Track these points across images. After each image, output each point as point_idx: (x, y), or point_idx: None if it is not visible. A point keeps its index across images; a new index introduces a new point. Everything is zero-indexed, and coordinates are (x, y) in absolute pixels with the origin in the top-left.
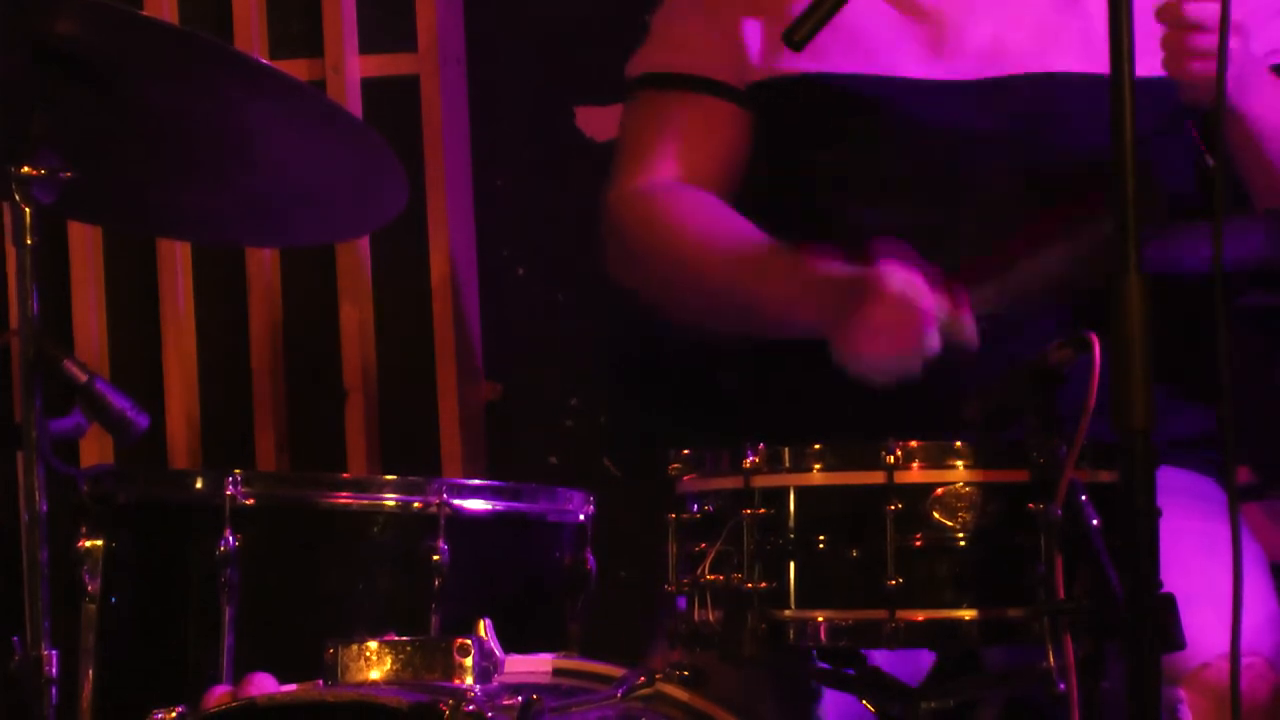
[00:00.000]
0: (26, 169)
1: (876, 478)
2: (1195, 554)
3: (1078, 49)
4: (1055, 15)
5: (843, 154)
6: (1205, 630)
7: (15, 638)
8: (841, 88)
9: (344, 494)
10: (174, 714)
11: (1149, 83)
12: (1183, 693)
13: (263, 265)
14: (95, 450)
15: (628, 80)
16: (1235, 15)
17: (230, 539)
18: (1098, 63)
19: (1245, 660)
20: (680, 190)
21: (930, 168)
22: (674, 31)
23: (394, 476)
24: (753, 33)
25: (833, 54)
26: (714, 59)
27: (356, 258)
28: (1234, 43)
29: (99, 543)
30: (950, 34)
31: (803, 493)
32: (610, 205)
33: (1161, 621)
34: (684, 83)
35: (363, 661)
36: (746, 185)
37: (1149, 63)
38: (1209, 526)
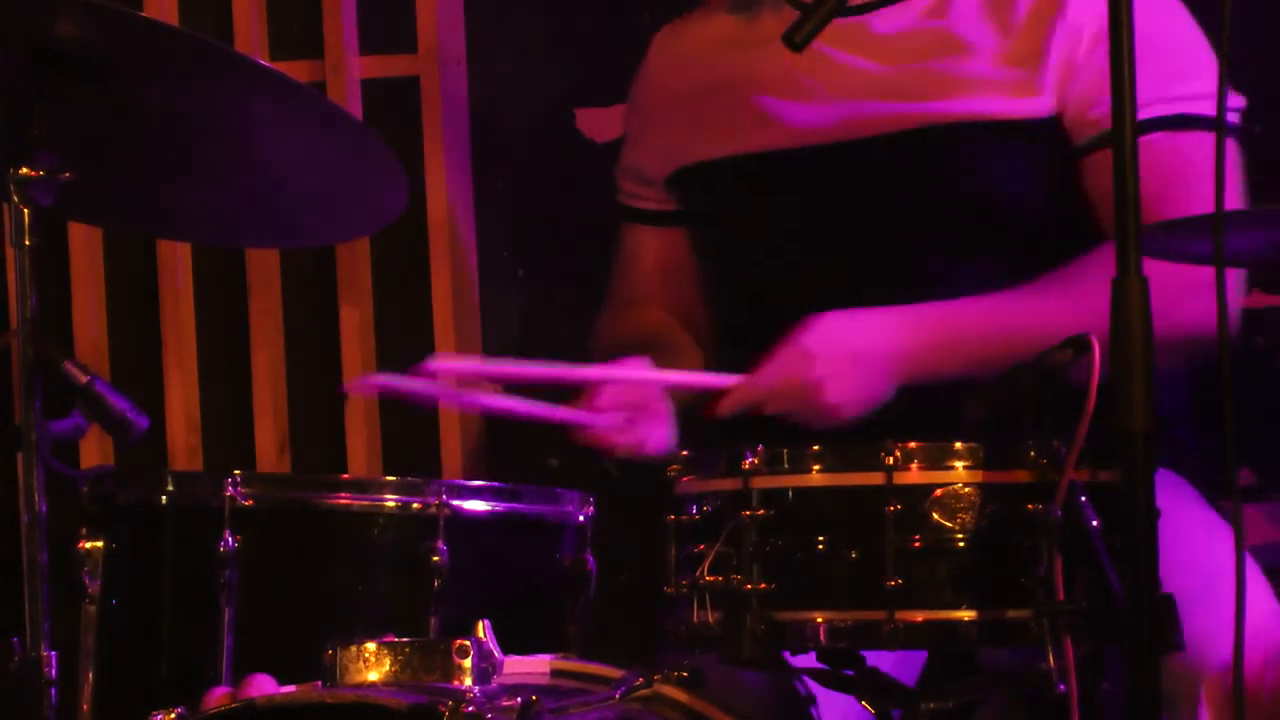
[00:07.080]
0: (26, 170)
1: (876, 479)
2: (1199, 554)
3: (964, 92)
4: (939, 63)
5: (759, 226)
6: (1221, 632)
7: (15, 639)
8: (743, 168)
9: (343, 495)
10: (173, 715)
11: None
12: (1203, 694)
13: (263, 265)
14: (95, 451)
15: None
16: None
17: (230, 540)
18: (981, 104)
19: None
20: (626, 310)
21: (833, 227)
22: (629, 137)
23: (393, 477)
24: (676, 125)
25: (735, 138)
26: (646, 184)
27: (356, 258)
28: None
29: (99, 544)
30: (839, 95)
31: (802, 494)
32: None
33: (1160, 622)
34: (628, 215)
35: (362, 663)
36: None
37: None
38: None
